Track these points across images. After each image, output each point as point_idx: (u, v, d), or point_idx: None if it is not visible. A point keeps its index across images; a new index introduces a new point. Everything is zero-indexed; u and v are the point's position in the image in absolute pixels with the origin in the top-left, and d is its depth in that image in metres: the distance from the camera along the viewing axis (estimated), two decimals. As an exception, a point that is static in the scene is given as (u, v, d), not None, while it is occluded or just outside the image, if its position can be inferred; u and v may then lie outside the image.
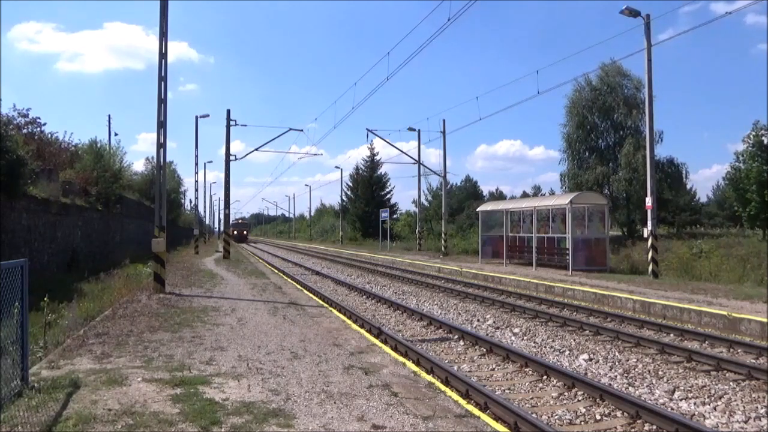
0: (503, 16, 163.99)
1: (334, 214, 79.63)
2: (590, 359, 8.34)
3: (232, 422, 4.61)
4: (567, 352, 8.84)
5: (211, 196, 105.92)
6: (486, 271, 20.75)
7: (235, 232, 76.07)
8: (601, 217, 21.78)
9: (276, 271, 24.01)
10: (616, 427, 5.60)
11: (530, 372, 7.53)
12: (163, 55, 13.52)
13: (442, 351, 9.01)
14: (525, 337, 10.08)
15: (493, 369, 7.84)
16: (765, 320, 9.82)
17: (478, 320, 11.89)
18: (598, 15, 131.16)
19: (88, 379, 5.82)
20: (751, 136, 25.70)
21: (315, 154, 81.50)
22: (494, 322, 11.63)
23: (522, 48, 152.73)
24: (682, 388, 6.86)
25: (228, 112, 30.19)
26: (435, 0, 54.55)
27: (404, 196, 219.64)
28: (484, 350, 8.79)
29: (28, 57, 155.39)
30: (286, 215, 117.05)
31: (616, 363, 8.09)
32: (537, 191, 64.49)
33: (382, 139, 37.68)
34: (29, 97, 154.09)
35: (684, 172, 32.05)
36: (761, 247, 21.37)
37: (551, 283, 16.20)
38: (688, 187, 46.66)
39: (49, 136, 24.68)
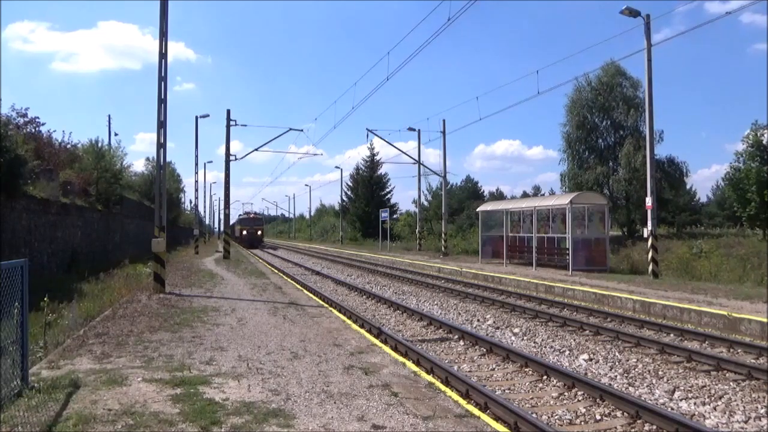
0: (503, 16, 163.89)
1: (334, 214, 79.48)
2: (590, 359, 8.34)
3: (232, 422, 4.61)
4: (567, 352, 8.84)
5: (211, 196, 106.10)
6: (486, 271, 20.74)
7: (244, 233, 53.31)
8: (601, 217, 21.78)
9: (276, 271, 24.01)
10: (616, 427, 5.60)
11: (530, 372, 7.53)
12: (163, 55, 13.52)
13: (442, 351, 9.01)
14: (525, 337, 10.08)
15: (493, 369, 7.84)
16: (765, 320, 9.82)
17: (478, 320, 11.89)
18: (598, 15, 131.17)
19: (88, 379, 5.82)
20: (750, 136, 25.72)
21: (314, 154, 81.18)
22: (494, 322, 11.63)
23: (522, 48, 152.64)
24: (682, 388, 6.86)
25: (228, 112, 30.13)
26: (435, 0, 54.61)
27: (404, 196, 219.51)
28: (484, 350, 8.79)
29: (23, 57, 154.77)
30: (286, 215, 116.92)
31: (616, 363, 8.09)
32: (537, 191, 64.63)
33: (381, 139, 37.81)
34: (25, 97, 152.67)
35: (684, 170, 32.06)
36: (761, 247, 21.37)
37: (551, 283, 16.19)
38: (688, 186, 46.73)
39: (48, 135, 24.65)
